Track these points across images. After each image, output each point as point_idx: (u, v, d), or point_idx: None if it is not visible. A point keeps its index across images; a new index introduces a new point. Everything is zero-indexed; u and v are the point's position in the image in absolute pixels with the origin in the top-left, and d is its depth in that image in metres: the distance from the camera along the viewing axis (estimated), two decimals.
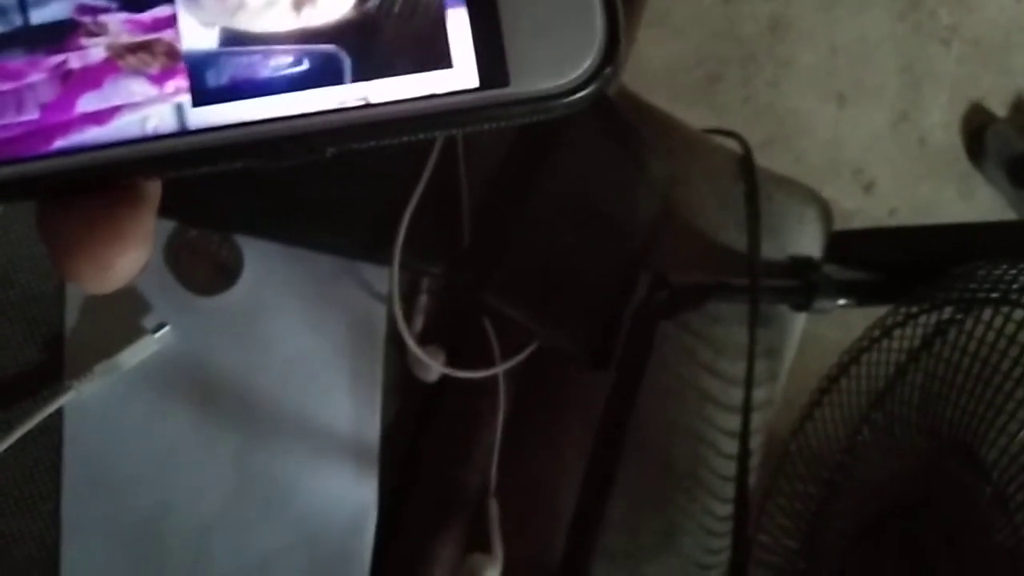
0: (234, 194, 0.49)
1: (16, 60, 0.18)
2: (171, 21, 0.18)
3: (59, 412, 0.48)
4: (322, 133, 0.19)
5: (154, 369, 0.49)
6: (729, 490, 0.57)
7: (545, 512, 0.56)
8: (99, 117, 0.18)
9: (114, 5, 0.18)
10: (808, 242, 0.65)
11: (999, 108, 1.37)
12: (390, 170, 0.51)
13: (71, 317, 0.48)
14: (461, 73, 0.18)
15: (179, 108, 0.18)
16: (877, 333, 0.58)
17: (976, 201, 1.33)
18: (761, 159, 0.64)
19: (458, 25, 0.18)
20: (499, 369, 0.54)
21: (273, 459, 0.51)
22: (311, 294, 0.52)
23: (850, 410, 0.60)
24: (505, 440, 0.54)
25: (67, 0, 0.18)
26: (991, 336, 0.47)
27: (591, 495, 0.55)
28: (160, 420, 0.49)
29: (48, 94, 0.18)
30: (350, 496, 0.52)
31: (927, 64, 1.36)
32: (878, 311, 0.62)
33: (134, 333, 0.48)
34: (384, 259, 0.50)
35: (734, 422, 0.58)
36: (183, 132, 0.18)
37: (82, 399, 0.48)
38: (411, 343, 0.51)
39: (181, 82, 0.18)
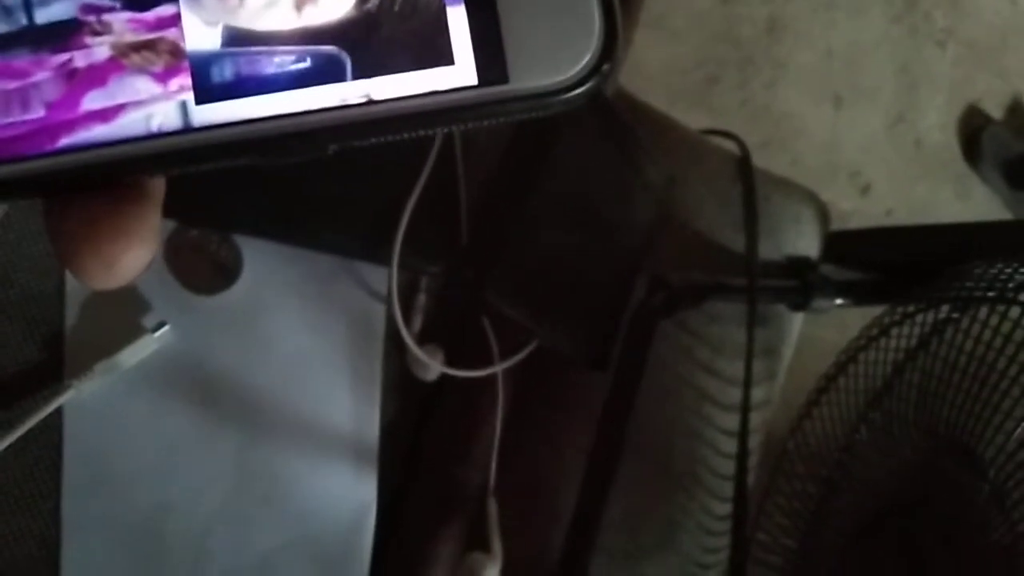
0: (234, 194, 0.49)
1: (21, 59, 0.18)
2: (175, 20, 0.19)
3: (59, 411, 0.48)
4: (324, 130, 0.19)
5: (154, 368, 0.49)
6: (728, 489, 0.57)
7: (544, 511, 0.57)
8: (104, 115, 0.19)
9: (118, 4, 0.19)
10: (805, 242, 0.65)
11: (995, 110, 1.38)
12: (389, 170, 0.51)
13: (71, 316, 0.48)
14: (461, 70, 0.19)
15: (183, 106, 0.19)
16: (875, 332, 0.58)
17: (972, 202, 1.34)
18: (758, 161, 0.64)
19: (458, 23, 0.19)
20: (498, 368, 0.54)
21: (273, 458, 0.51)
22: (310, 293, 0.52)
23: (848, 409, 0.60)
24: (504, 439, 0.55)
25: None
26: (988, 335, 0.48)
27: (590, 494, 0.55)
28: (160, 419, 0.49)
29: (53, 92, 0.18)
30: (350, 495, 0.52)
31: (923, 66, 1.36)
32: (875, 311, 0.62)
33: (134, 332, 0.49)
34: (383, 258, 0.50)
35: (732, 421, 0.58)
36: (187, 130, 0.19)
37: (82, 398, 0.48)
38: (410, 342, 0.51)
39: (185, 80, 0.19)
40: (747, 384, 0.56)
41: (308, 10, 0.19)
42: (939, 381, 0.52)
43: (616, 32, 0.19)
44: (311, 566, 0.52)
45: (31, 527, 0.48)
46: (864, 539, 0.56)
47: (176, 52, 0.19)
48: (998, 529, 0.45)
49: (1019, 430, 0.45)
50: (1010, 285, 0.47)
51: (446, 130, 0.20)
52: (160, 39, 0.19)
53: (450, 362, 0.53)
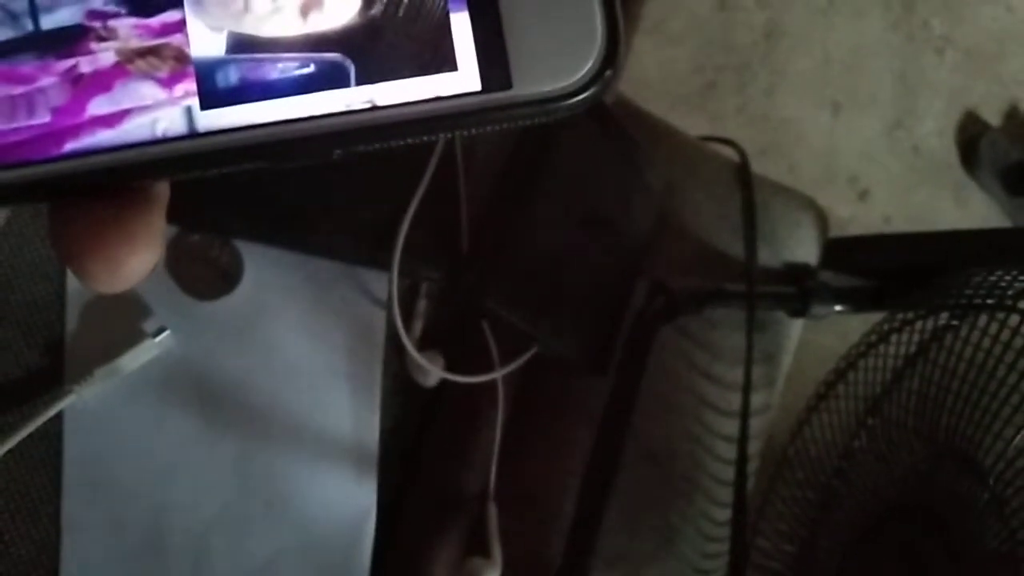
0: (235, 200, 0.49)
1: (27, 64, 0.18)
2: (180, 26, 0.19)
3: (59, 416, 0.48)
4: (328, 136, 0.19)
5: (154, 373, 0.49)
6: (727, 495, 0.57)
7: (544, 516, 0.56)
8: (109, 120, 0.19)
9: (123, 10, 0.19)
10: (804, 249, 0.65)
11: (993, 117, 1.38)
12: (390, 176, 0.51)
13: (71, 321, 0.48)
14: (465, 76, 0.19)
15: (188, 111, 0.19)
16: (874, 339, 0.59)
17: (970, 208, 1.34)
18: (756, 167, 0.64)
19: (461, 29, 0.19)
20: (498, 374, 0.54)
21: (273, 463, 0.51)
22: (311, 299, 0.52)
23: (848, 416, 0.60)
24: (504, 444, 0.55)
25: (77, 5, 0.19)
26: (987, 342, 0.48)
27: (590, 499, 0.55)
28: (160, 424, 0.49)
29: (59, 98, 0.18)
30: (350, 500, 0.52)
31: (921, 73, 1.37)
32: (875, 318, 0.62)
33: (134, 337, 0.49)
34: (383, 264, 0.50)
35: (732, 427, 0.58)
36: (191, 135, 0.19)
37: (82, 403, 0.48)
38: (410, 348, 0.51)
39: (190, 86, 0.19)
40: (746, 390, 0.56)
41: (313, 16, 0.19)
42: (938, 388, 0.52)
43: (618, 38, 0.19)
44: (311, 571, 0.51)
45: (31, 531, 0.48)
46: (864, 545, 0.56)
47: (181, 58, 0.19)
48: (998, 536, 0.45)
49: (1018, 437, 0.45)
50: (1009, 292, 0.47)
51: (450, 135, 0.20)
52: (165, 45, 0.19)
53: (450, 368, 0.53)
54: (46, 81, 0.18)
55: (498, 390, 0.54)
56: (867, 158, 1.32)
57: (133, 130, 0.18)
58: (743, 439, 0.55)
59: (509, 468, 0.55)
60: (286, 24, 0.19)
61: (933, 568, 0.50)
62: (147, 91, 0.19)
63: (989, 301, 0.49)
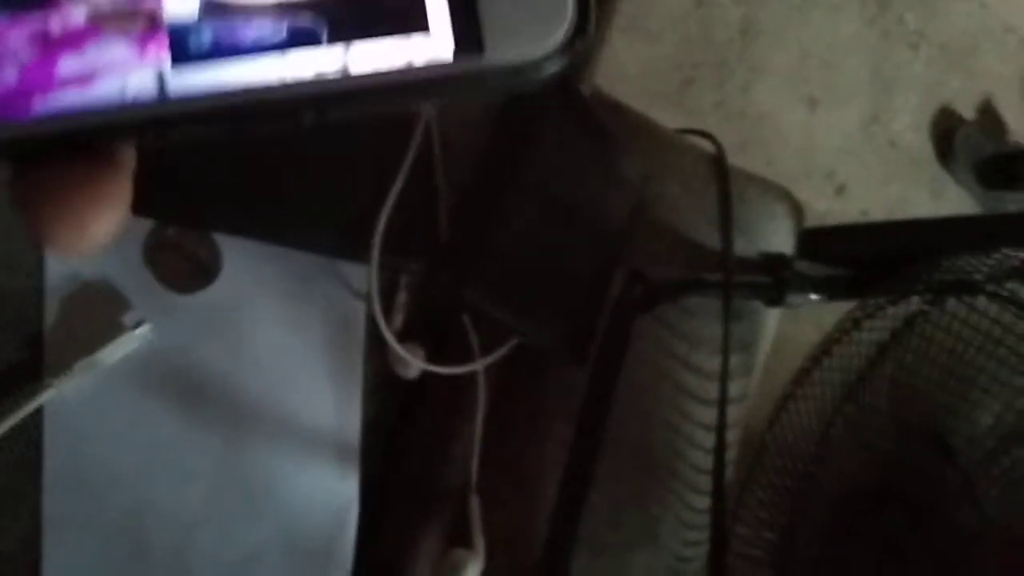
0: (213, 192, 0.49)
1: None
2: None
3: (39, 410, 0.48)
4: (300, 98, 0.19)
5: (134, 367, 0.49)
6: (708, 483, 0.57)
7: (526, 506, 0.57)
8: (79, 80, 0.18)
9: None
10: (780, 239, 0.66)
11: (967, 111, 1.40)
12: (368, 168, 0.51)
13: (51, 315, 0.48)
14: (437, 39, 0.19)
15: (159, 73, 0.18)
16: (848, 326, 0.59)
17: (946, 201, 1.35)
18: (734, 161, 0.65)
19: None
20: (479, 365, 0.54)
21: (254, 456, 0.51)
22: (290, 292, 0.52)
23: (824, 402, 0.61)
24: (486, 435, 0.55)
25: None
26: (956, 325, 0.49)
27: (571, 488, 0.55)
28: (140, 417, 0.49)
29: (28, 57, 0.18)
30: (332, 492, 0.52)
31: (896, 68, 1.38)
32: (849, 307, 0.63)
33: (113, 331, 0.49)
34: (363, 257, 0.51)
35: (711, 415, 0.59)
36: (162, 97, 0.18)
37: (62, 397, 0.48)
38: (391, 340, 0.51)
39: (162, 47, 0.18)
40: (724, 378, 0.57)
41: None
42: (911, 373, 0.53)
43: (588, 8, 0.19)
44: (293, 563, 0.52)
45: (11, 526, 0.48)
46: (841, 529, 0.56)
47: (154, 18, 0.18)
48: (968, 515, 0.46)
49: (986, 419, 0.46)
50: (976, 276, 0.48)
51: (422, 102, 0.20)
52: (138, 4, 0.18)
53: (431, 360, 0.53)
54: (15, 39, 0.18)
55: (479, 381, 0.55)
56: (844, 153, 1.34)
57: (103, 91, 0.18)
58: (721, 427, 0.56)
59: (491, 459, 0.55)
60: None
61: (909, 550, 0.51)
62: (118, 51, 0.18)
63: (958, 284, 0.49)
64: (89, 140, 0.19)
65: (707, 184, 0.64)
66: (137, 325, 0.49)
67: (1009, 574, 0.45)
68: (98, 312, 0.49)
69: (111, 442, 0.49)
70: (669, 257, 0.63)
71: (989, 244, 0.53)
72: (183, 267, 0.51)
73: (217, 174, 0.46)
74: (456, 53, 0.19)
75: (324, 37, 0.19)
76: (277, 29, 0.19)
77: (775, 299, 0.61)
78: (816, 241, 0.67)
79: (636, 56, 1.25)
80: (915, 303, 0.54)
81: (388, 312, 0.53)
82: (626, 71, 1.24)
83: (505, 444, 0.56)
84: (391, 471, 0.54)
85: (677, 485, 0.61)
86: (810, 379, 0.62)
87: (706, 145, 0.66)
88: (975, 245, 0.53)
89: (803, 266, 0.64)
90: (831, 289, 0.63)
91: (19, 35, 0.18)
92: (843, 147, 1.33)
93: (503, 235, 0.55)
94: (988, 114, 1.39)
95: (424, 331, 0.55)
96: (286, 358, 0.52)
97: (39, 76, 0.18)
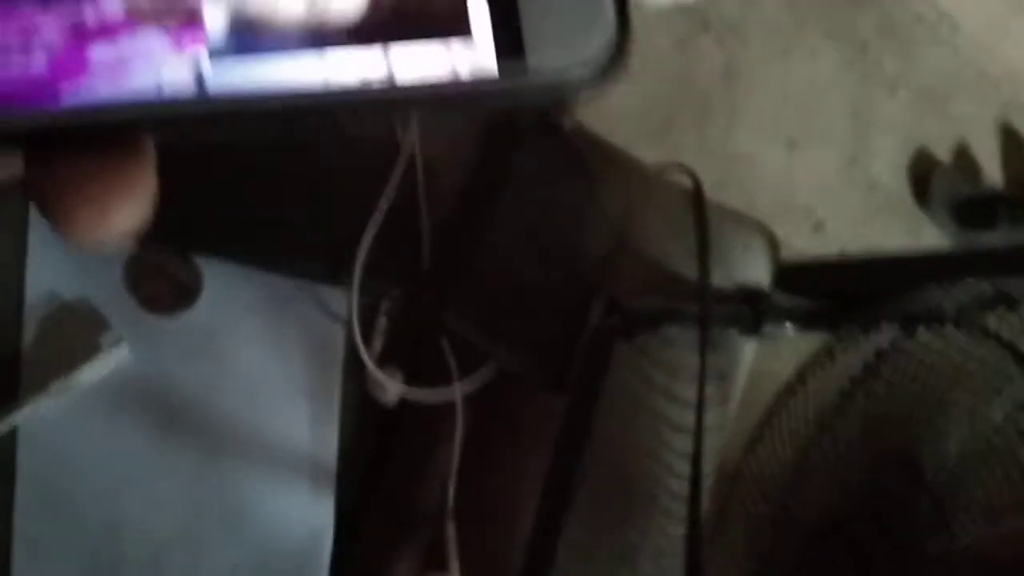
0: (195, 215, 0.50)
1: (29, 8, 0.18)
2: None
3: (14, 430, 0.48)
4: (340, 101, 0.18)
5: (110, 388, 0.49)
6: (684, 510, 0.58)
7: (502, 533, 0.57)
8: (113, 71, 0.18)
9: None
10: (756, 271, 0.67)
11: (943, 154, 1.43)
12: (351, 194, 0.52)
13: (28, 335, 0.48)
14: (479, 44, 0.19)
15: (195, 68, 0.18)
16: (822, 356, 0.60)
17: (923, 241, 1.37)
18: (713, 200, 0.66)
19: (477, 2, 0.19)
20: (457, 391, 0.54)
21: (229, 479, 0.51)
22: (270, 315, 0.52)
23: (799, 432, 0.61)
24: (463, 461, 0.55)
25: None
26: (925, 354, 0.49)
27: (547, 516, 0.55)
28: (116, 439, 0.49)
29: (61, 45, 0.18)
30: (307, 517, 0.52)
31: (874, 111, 1.41)
32: (825, 339, 0.63)
33: (91, 351, 0.49)
34: (343, 281, 0.51)
35: (688, 444, 0.59)
36: (198, 93, 0.18)
37: (38, 417, 0.48)
38: (370, 364, 0.52)
39: (199, 41, 0.18)
40: (700, 407, 0.57)
41: None
42: (883, 401, 0.54)
43: (628, 17, 0.19)
44: None
45: None
46: (815, 556, 0.56)
47: (192, 11, 0.18)
48: (940, 541, 0.47)
49: (954, 445, 0.47)
50: (945, 305, 0.49)
51: (459, 107, 0.20)
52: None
53: (410, 385, 0.54)
54: (49, 27, 0.18)
55: (457, 407, 0.55)
56: (823, 192, 1.36)
57: (136, 82, 0.18)
58: (697, 455, 0.56)
59: (468, 485, 0.55)
60: None
61: (881, 572, 0.51)
62: (154, 43, 0.18)
63: (927, 315, 0.50)
64: (119, 132, 0.18)
65: (685, 217, 0.65)
66: (115, 346, 0.49)
67: None
68: (76, 332, 0.49)
69: (86, 462, 0.49)
70: (648, 287, 0.63)
71: (956, 276, 0.54)
72: (164, 289, 0.51)
73: (200, 197, 0.47)
74: (497, 59, 0.19)
75: (365, 37, 0.19)
76: (317, 28, 0.18)
77: (752, 329, 0.62)
78: (792, 274, 0.68)
79: (617, 96, 1.27)
80: (887, 333, 0.55)
81: (368, 337, 0.54)
82: (608, 110, 1.26)
83: (482, 469, 0.56)
84: (368, 494, 0.54)
85: (655, 513, 0.61)
86: (786, 409, 0.62)
87: (685, 180, 0.68)
88: (944, 277, 0.54)
89: (780, 298, 0.65)
90: (806, 320, 0.64)
91: (53, 23, 0.18)
92: (822, 187, 1.35)
93: (483, 262, 0.56)
94: (964, 157, 1.42)
95: (403, 357, 0.55)
96: (264, 381, 0.52)
97: (71, 65, 0.18)
